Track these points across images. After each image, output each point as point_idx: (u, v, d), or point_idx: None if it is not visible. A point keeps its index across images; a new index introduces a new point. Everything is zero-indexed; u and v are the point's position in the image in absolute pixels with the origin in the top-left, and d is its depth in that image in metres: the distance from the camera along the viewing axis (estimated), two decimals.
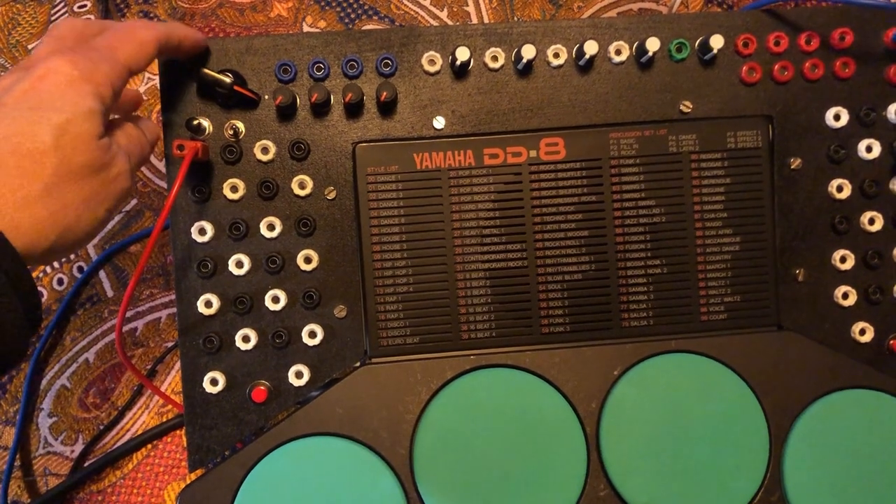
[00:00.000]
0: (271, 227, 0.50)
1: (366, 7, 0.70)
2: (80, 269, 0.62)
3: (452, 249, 0.51)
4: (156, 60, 0.45)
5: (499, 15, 0.70)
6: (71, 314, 0.61)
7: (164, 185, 0.64)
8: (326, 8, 0.70)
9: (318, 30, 0.69)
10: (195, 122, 0.49)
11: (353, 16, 0.70)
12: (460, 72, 0.51)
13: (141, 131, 0.44)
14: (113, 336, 0.60)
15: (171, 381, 0.60)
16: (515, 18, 0.70)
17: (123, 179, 0.40)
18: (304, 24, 0.69)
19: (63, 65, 0.37)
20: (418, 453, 0.48)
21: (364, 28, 0.69)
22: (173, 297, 0.61)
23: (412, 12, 0.70)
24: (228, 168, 0.50)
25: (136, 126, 0.44)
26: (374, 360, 0.50)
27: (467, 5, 0.70)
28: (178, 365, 0.60)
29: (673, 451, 0.49)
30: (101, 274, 0.62)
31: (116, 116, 0.42)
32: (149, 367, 0.59)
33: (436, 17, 0.70)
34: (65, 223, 0.37)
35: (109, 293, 0.61)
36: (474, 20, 0.70)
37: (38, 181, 0.36)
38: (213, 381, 0.50)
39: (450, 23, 0.70)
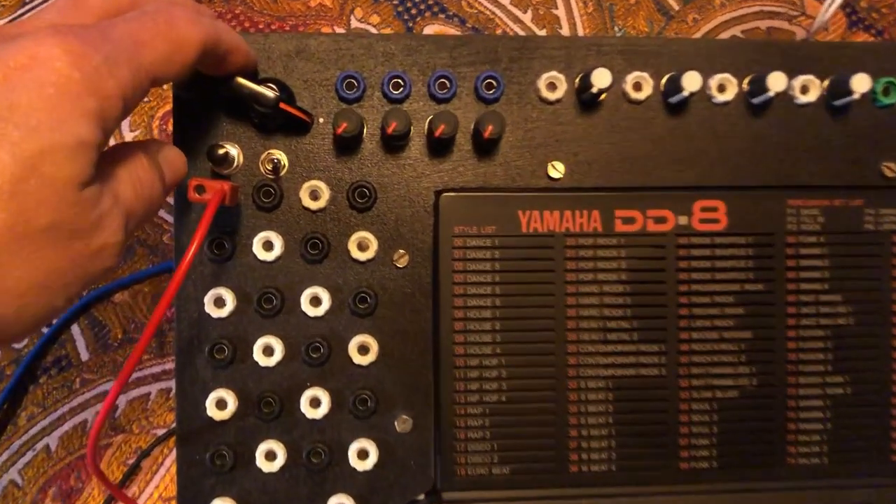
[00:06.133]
0: (316, 302, 0.36)
1: (430, 3, 0.56)
2: None
3: (564, 347, 0.37)
4: None
5: (595, 22, 0.56)
6: (31, 382, 0.46)
7: (162, 214, 0.50)
8: (381, 0, 0.55)
9: (371, 27, 0.55)
10: (221, 152, 0.34)
11: (413, 12, 0.56)
12: (590, 102, 0.37)
13: (155, 173, 0.29)
14: (84, 416, 0.45)
15: (161, 484, 0.45)
16: (616, 28, 0.56)
17: (109, 255, 0.26)
18: (352, 17, 0.55)
19: (60, 56, 0.23)
20: None
21: (438, 32, 0.55)
22: (168, 366, 0.46)
23: (487, 12, 0.56)
24: (262, 216, 0.36)
25: (150, 162, 0.29)
26: (446, 496, 0.36)
27: (556, 8, 0.56)
28: (169, 461, 0.45)
29: None
30: (75, 329, 0.47)
31: (117, 143, 0.27)
32: (131, 461, 0.45)
33: (517, 19, 0.56)
34: None
35: (84, 356, 0.47)
36: (565, 27, 0.56)
37: None
38: None
39: (534, 28, 0.56)
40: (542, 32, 0.55)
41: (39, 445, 0.45)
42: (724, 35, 0.56)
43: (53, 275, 0.24)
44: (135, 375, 0.46)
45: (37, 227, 0.23)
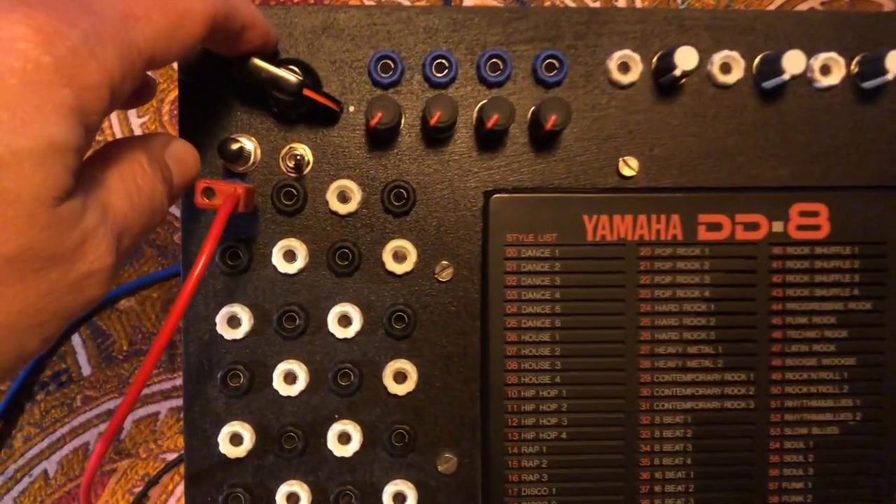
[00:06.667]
0: (346, 322, 0.31)
1: None
2: None
3: (636, 375, 0.32)
4: None
5: None
6: (27, 400, 0.41)
7: (174, 210, 0.45)
8: None
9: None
10: (235, 146, 0.29)
11: None
12: (670, 86, 0.31)
13: (157, 176, 0.24)
14: (86, 438, 0.40)
15: None
16: (678, 0, 0.50)
17: (94, 284, 0.21)
18: None
19: (25, 36, 0.18)
20: None
21: (479, 5, 0.49)
22: (179, 381, 0.41)
23: None
24: (283, 221, 0.31)
25: (151, 163, 0.24)
26: None
27: None
28: (180, 490, 0.41)
29: None
30: (75, 340, 0.42)
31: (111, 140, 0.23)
32: (137, 489, 0.40)
33: None
34: None
35: (85, 370, 0.42)
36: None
37: None
38: None
39: (587, 0, 0.50)
40: (596, 5, 0.49)
41: (37, 471, 0.40)
42: (802, 6, 0.49)
43: (23, 314, 0.19)
44: (142, 392, 0.42)
45: (0, 257, 0.18)
